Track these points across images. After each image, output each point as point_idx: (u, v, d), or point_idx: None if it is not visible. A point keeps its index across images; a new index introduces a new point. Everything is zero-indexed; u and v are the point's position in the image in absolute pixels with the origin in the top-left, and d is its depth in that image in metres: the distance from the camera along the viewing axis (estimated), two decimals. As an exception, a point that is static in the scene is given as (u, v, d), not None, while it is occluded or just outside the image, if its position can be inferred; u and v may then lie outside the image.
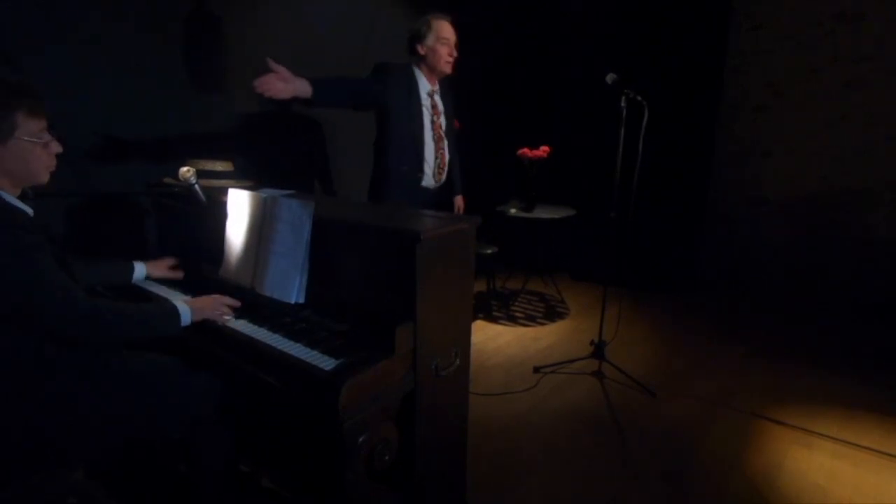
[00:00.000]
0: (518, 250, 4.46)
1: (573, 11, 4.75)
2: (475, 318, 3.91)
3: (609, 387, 2.95)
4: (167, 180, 2.35)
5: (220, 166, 2.46)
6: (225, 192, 1.97)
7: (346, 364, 1.42)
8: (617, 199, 2.92)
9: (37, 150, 1.40)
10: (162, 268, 2.03)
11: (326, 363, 1.43)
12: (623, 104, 2.81)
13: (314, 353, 1.49)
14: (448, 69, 2.68)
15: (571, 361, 3.14)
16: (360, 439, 1.40)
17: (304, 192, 2.08)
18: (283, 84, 2.13)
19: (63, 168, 1.49)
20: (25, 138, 1.37)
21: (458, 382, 1.80)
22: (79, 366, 1.48)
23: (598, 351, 3.07)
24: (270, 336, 1.60)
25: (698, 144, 4.44)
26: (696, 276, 4.68)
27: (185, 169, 1.98)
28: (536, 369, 3.11)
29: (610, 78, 2.81)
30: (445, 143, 2.77)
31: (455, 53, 2.67)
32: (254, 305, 1.77)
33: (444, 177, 2.81)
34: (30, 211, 1.43)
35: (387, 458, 1.48)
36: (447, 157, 2.80)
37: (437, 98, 2.73)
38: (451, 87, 2.84)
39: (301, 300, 1.72)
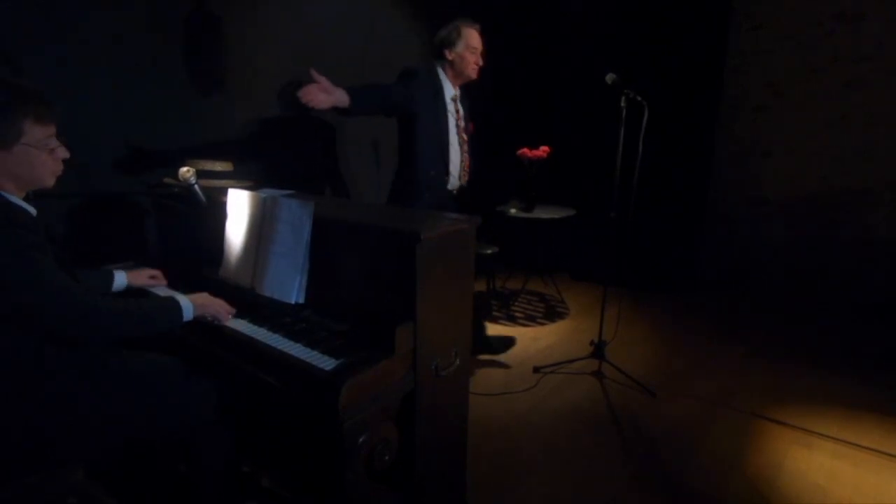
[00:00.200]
0: (518, 250, 4.46)
1: (573, 11, 4.75)
2: (475, 317, 3.91)
3: (609, 387, 2.95)
4: (167, 180, 2.35)
5: (219, 166, 2.46)
6: (225, 193, 1.97)
7: (346, 364, 1.42)
8: (617, 199, 2.92)
9: (42, 156, 1.40)
10: (143, 277, 1.96)
11: (326, 363, 1.43)
12: (623, 104, 2.81)
13: (314, 353, 1.49)
14: (474, 75, 2.76)
15: (571, 361, 3.14)
16: (360, 439, 1.40)
17: (304, 192, 2.08)
18: (325, 95, 2.16)
19: (69, 170, 1.50)
20: (31, 145, 1.37)
21: (458, 382, 1.80)
22: (79, 366, 1.48)
23: (598, 351, 3.07)
24: (270, 336, 1.60)
25: (698, 144, 4.44)
26: (696, 276, 4.68)
27: (185, 169, 1.98)
28: (536, 369, 3.11)
29: (610, 78, 2.81)
30: (468, 146, 2.83)
31: (481, 62, 2.75)
32: (254, 305, 1.77)
33: (467, 179, 2.87)
34: (33, 211, 1.43)
35: (387, 458, 1.48)
36: (470, 159, 2.85)
37: (459, 103, 2.80)
38: (467, 91, 2.89)
39: (301, 300, 1.72)
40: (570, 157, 4.49)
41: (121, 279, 1.91)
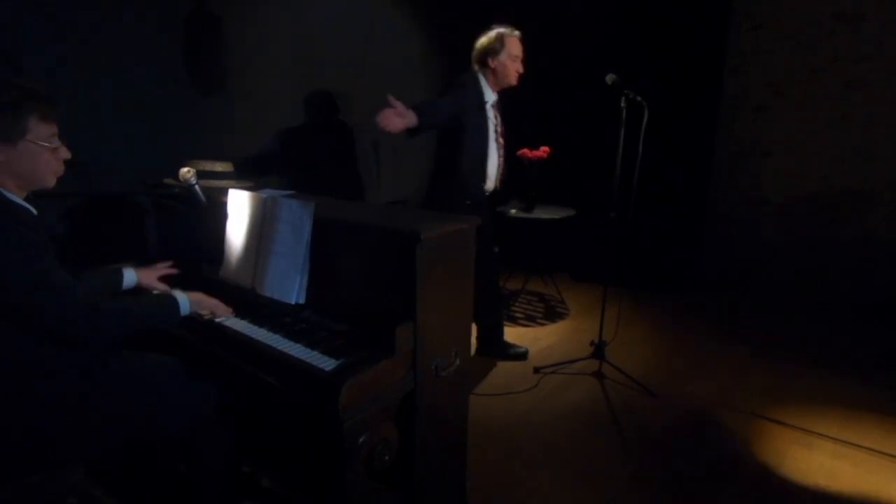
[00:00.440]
0: (518, 250, 4.46)
1: (573, 11, 4.75)
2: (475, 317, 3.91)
3: (609, 387, 2.95)
4: (167, 181, 2.35)
5: (220, 167, 2.46)
6: (225, 193, 1.97)
7: (346, 364, 1.42)
8: (617, 199, 2.92)
9: (45, 155, 1.41)
10: (152, 277, 1.93)
11: (326, 363, 1.43)
12: (623, 104, 2.81)
13: (314, 353, 1.49)
14: (515, 82, 2.85)
15: (571, 362, 3.14)
16: (360, 439, 1.40)
17: (304, 192, 2.08)
18: (400, 119, 2.25)
19: (68, 170, 1.50)
20: (36, 142, 1.38)
21: (458, 382, 1.80)
22: (79, 366, 1.48)
23: (598, 351, 3.07)
24: (270, 336, 1.61)
25: (698, 144, 4.44)
26: (696, 276, 4.67)
27: (185, 169, 1.97)
28: (536, 369, 3.11)
29: (610, 78, 2.81)
30: (504, 150, 2.96)
31: (522, 69, 2.85)
32: (254, 305, 1.77)
33: (501, 182, 3.00)
34: (34, 210, 1.44)
35: (387, 458, 1.48)
36: (506, 164, 3.01)
37: (497, 109, 2.91)
38: (500, 97, 2.97)
39: (301, 300, 1.72)
40: (570, 157, 4.48)
41: (130, 277, 1.88)
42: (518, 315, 4.09)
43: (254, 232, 1.85)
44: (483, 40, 2.84)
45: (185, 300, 1.61)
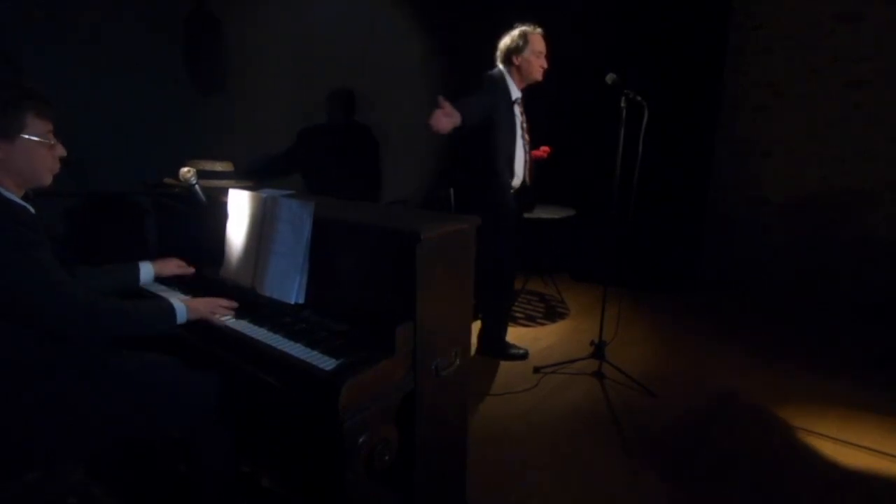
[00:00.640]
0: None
1: (573, 11, 4.75)
2: (475, 317, 3.91)
3: (609, 387, 2.95)
4: (167, 180, 2.35)
5: (220, 166, 2.46)
6: (225, 193, 1.97)
7: (346, 364, 1.42)
8: (617, 199, 2.92)
9: (42, 151, 1.42)
10: (171, 267, 1.97)
11: (326, 363, 1.43)
12: (623, 104, 2.81)
13: (314, 353, 1.49)
14: (540, 77, 2.94)
15: (571, 361, 3.14)
16: (360, 439, 1.40)
17: (304, 192, 2.09)
18: (448, 119, 2.35)
19: (63, 168, 1.51)
20: (33, 138, 1.39)
21: (458, 382, 1.80)
22: (79, 366, 1.48)
23: (598, 351, 3.07)
24: (270, 336, 1.60)
25: (698, 144, 4.43)
26: (696, 276, 4.67)
27: (185, 169, 1.98)
28: (536, 369, 3.11)
29: (610, 78, 2.81)
30: (530, 146, 3.05)
31: (546, 64, 2.93)
32: (254, 305, 1.77)
33: (531, 178, 3.08)
34: (32, 209, 1.44)
35: (387, 458, 1.48)
36: (532, 159, 3.09)
37: (522, 105, 2.99)
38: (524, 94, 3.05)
39: (301, 300, 1.72)
40: (570, 157, 4.48)
41: (147, 271, 1.91)
42: (518, 315, 4.09)
43: (254, 232, 1.85)
44: (506, 39, 2.93)
45: (183, 309, 1.61)
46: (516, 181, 3.01)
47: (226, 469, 1.75)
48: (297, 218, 1.72)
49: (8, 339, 1.37)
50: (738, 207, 4.71)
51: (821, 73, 4.24)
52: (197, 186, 2.00)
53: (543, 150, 3.65)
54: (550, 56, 3.02)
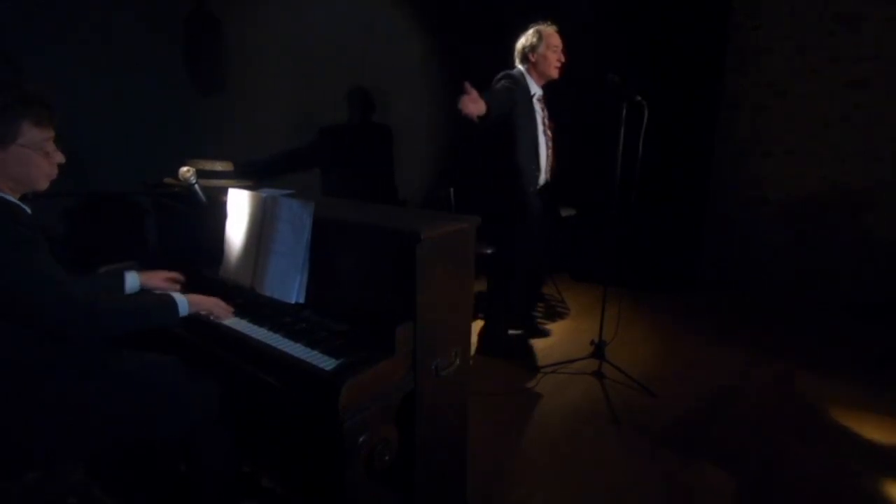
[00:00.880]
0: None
1: (573, 12, 4.74)
2: (475, 317, 3.91)
3: (609, 387, 2.94)
4: (167, 180, 2.35)
5: (220, 166, 2.46)
6: (225, 192, 1.96)
7: (346, 364, 1.42)
8: (617, 199, 2.92)
9: (37, 158, 1.41)
10: (157, 280, 1.90)
11: (326, 363, 1.43)
12: (623, 104, 2.81)
13: (314, 353, 1.49)
14: (556, 73, 3.00)
15: (571, 361, 3.14)
16: (360, 439, 1.40)
17: (305, 192, 2.08)
18: (474, 105, 2.43)
19: (63, 168, 1.50)
20: (27, 146, 1.38)
21: (458, 382, 1.80)
22: (79, 366, 1.48)
23: (598, 351, 3.07)
24: (270, 336, 1.61)
25: (698, 144, 4.43)
26: (696, 276, 4.67)
27: (185, 169, 1.97)
28: (536, 369, 3.11)
29: (610, 78, 2.81)
30: (552, 142, 3.10)
31: (562, 59, 2.98)
32: (254, 305, 1.77)
33: (551, 175, 3.14)
34: (28, 210, 1.44)
35: (387, 458, 1.48)
36: (554, 156, 3.15)
37: (543, 102, 3.06)
38: (547, 92, 3.11)
39: (301, 300, 1.72)
40: (571, 156, 4.48)
41: (133, 281, 1.85)
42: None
43: (254, 231, 1.85)
44: (522, 39, 3.01)
45: (185, 301, 1.62)
46: (542, 178, 3.08)
47: (226, 469, 1.75)
48: (297, 218, 1.72)
49: (8, 339, 1.37)
50: (738, 207, 4.71)
51: (821, 73, 4.24)
52: (197, 186, 2.00)
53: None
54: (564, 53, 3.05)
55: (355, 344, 1.53)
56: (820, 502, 2.10)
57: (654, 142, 2.85)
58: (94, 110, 2.42)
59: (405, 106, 4.22)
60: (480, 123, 2.55)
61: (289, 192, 1.95)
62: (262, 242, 1.81)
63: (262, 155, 3.25)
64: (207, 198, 2.03)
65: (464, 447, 1.93)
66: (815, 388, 2.97)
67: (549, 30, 2.98)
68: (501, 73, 2.98)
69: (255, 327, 1.66)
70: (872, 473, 2.26)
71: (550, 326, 3.86)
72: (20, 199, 1.44)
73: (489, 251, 3.72)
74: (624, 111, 2.82)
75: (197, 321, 1.68)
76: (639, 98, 2.77)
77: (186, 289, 1.93)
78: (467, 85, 2.40)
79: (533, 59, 2.96)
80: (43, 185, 1.47)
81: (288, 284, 1.72)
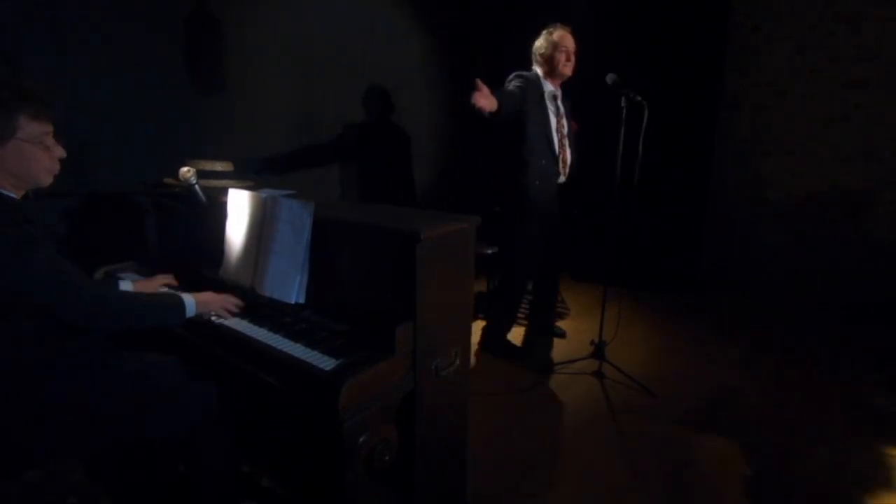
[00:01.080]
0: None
1: (573, 12, 4.74)
2: (475, 317, 3.91)
3: (609, 387, 2.95)
4: (167, 180, 2.35)
5: (220, 166, 2.46)
6: (225, 192, 1.96)
7: (346, 364, 1.42)
8: (617, 199, 2.92)
9: (37, 153, 1.41)
10: (152, 288, 1.88)
11: (326, 363, 1.43)
12: (623, 104, 2.81)
13: (314, 353, 1.49)
14: (568, 72, 3.04)
15: (572, 361, 3.14)
16: (360, 439, 1.40)
17: (305, 192, 2.08)
18: (486, 100, 2.48)
19: (63, 168, 1.50)
20: (26, 140, 1.38)
21: (458, 382, 1.80)
22: (79, 366, 1.48)
23: (599, 351, 3.07)
24: (270, 336, 1.61)
25: (698, 144, 4.43)
26: (696, 276, 4.67)
27: (185, 169, 1.97)
28: (536, 369, 3.11)
29: (610, 78, 2.82)
30: (567, 141, 3.12)
31: (573, 58, 3.01)
32: (254, 305, 1.77)
33: (568, 172, 3.15)
34: (31, 207, 1.44)
35: (387, 458, 1.48)
36: (569, 155, 3.14)
37: (559, 102, 3.09)
38: (569, 93, 3.18)
39: (301, 300, 1.72)
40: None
41: (127, 289, 1.83)
42: (518, 315, 4.07)
43: (254, 232, 1.85)
44: (536, 41, 3.07)
45: (192, 302, 1.62)
46: (561, 178, 3.11)
47: (226, 469, 1.75)
48: (297, 218, 1.72)
49: (8, 339, 1.37)
50: (738, 207, 4.71)
51: (821, 73, 4.24)
52: (197, 186, 2.00)
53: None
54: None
55: (355, 344, 1.53)
56: (820, 502, 2.10)
57: (655, 142, 2.85)
58: (94, 110, 2.42)
59: (405, 106, 4.22)
60: (491, 119, 2.58)
61: (289, 192, 1.95)
62: (262, 243, 1.81)
63: (262, 155, 3.25)
64: (207, 198, 2.03)
65: (464, 447, 1.93)
66: (814, 387, 2.98)
67: (561, 30, 3.01)
68: (513, 74, 3.01)
69: (255, 327, 1.66)
70: (872, 473, 2.26)
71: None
72: (22, 199, 1.44)
73: (490, 251, 3.72)
74: (624, 111, 2.82)
75: (197, 321, 1.68)
76: (639, 98, 2.77)
77: (187, 285, 1.94)
78: (479, 81, 2.44)
79: (542, 59, 3.02)
80: (45, 180, 1.46)
81: (288, 284, 1.72)
